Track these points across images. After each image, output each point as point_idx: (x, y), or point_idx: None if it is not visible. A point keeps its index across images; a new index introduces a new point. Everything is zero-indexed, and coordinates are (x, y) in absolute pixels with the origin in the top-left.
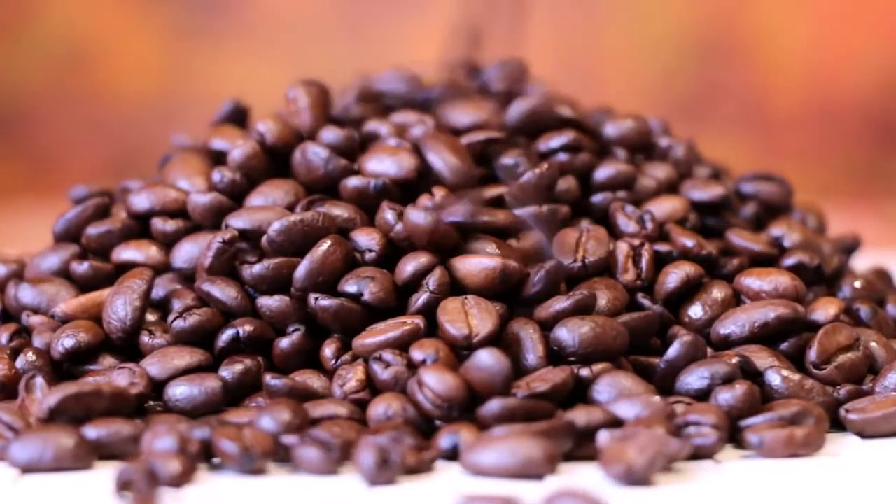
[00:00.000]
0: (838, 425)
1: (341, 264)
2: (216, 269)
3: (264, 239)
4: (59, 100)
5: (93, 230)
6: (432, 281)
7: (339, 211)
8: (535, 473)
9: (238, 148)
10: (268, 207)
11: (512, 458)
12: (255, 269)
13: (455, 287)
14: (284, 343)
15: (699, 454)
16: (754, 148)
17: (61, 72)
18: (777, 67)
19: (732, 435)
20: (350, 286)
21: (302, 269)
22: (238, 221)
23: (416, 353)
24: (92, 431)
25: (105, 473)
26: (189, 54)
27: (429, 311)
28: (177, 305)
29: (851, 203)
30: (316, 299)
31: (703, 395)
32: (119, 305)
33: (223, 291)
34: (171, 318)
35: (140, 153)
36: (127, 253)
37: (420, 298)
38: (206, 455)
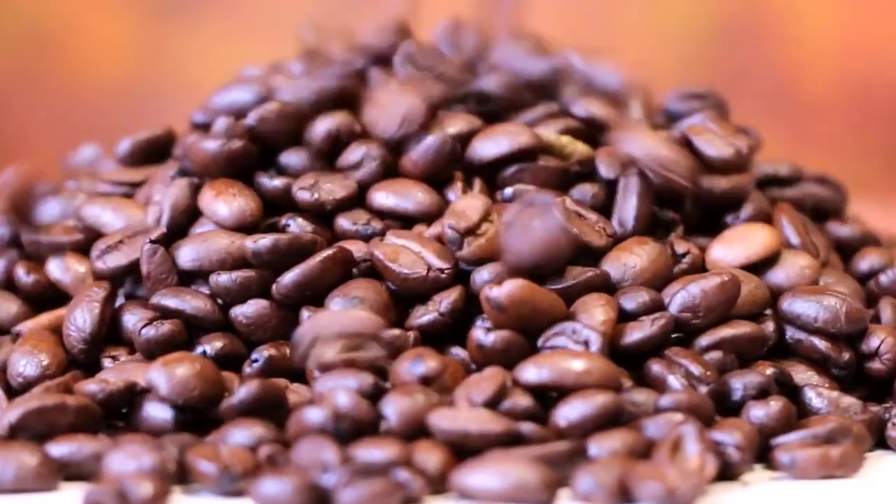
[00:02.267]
0: (884, 444)
1: (336, 280)
2: (154, 273)
3: (249, 254)
4: (21, 85)
5: (28, 237)
6: (445, 303)
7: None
8: (530, 500)
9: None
10: (214, 234)
11: (503, 482)
12: (220, 279)
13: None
14: (248, 371)
15: (724, 475)
16: (783, 138)
17: (24, 54)
18: (807, 49)
19: (763, 454)
20: (336, 304)
21: (290, 278)
22: (185, 253)
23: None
24: (57, 449)
25: (71, 495)
26: (166, 36)
27: (431, 334)
28: (137, 317)
29: (890, 199)
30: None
31: (734, 409)
32: (77, 314)
33: (189, 303)
34: (139, 325)
35: (111, 144)
36: (55, 268)
37: (425, 316)
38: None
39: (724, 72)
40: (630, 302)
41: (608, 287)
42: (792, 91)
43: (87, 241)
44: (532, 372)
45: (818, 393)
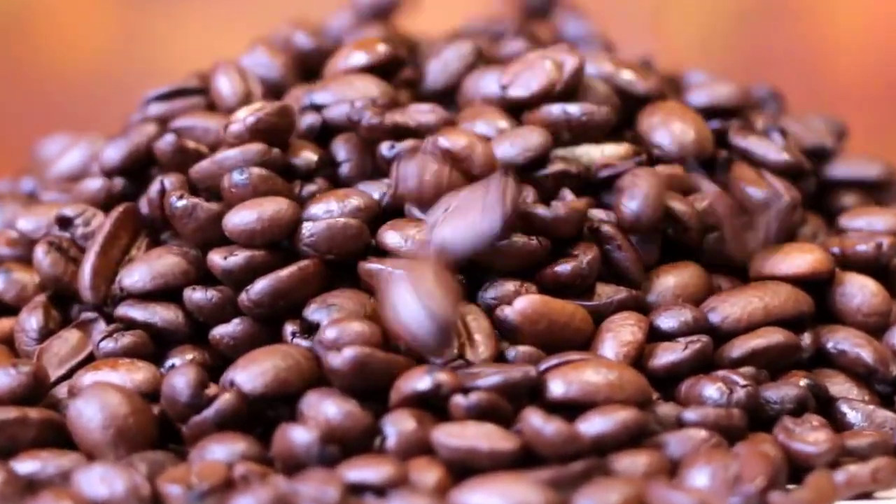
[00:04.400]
0: None
1: (312, 291)
2: (51, 277)
3: (220, 272)
4: None
5: None
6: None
7: None
8: None
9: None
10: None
11: (503, 502)
12: (195, 296)
13: None
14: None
15: None
16: None
17: None
18: (838, 27)
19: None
20: (313, 313)
21: (264, 284)
22: (129, 279)
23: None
24: (23, 465)
25: None
26: (146, 19)
27: None
28: (98, 329)
29: None
30: (293, 334)
31: (767, 421)
32: (24, 318)
33: (159, 315)
34: (97, 338)
35: (85, 132)
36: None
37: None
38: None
39: (742, 55)
40: (670, 320)
41: (641, 307)
42: (820, 74)
43: (29, 252)
44: (559, 386)
45: (853, 406)
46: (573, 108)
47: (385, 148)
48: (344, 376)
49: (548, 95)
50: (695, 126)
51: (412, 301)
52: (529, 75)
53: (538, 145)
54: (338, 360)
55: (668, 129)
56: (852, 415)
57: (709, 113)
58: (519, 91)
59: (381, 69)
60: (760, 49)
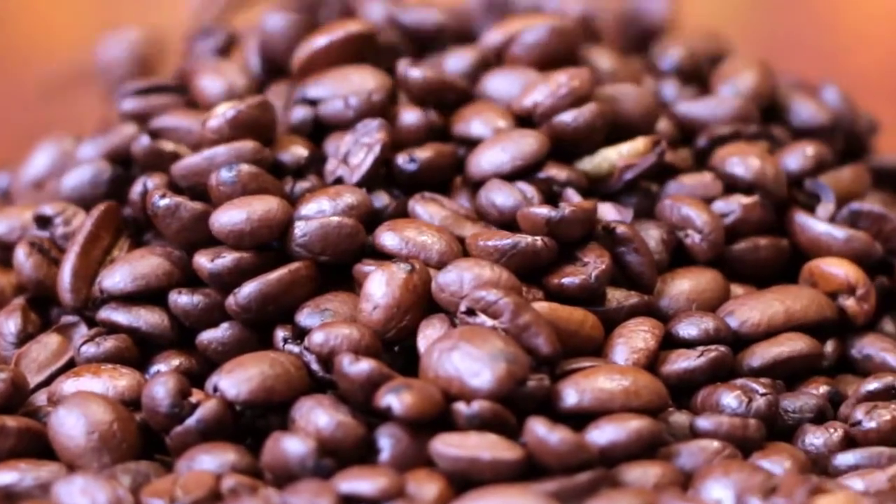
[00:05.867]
0: None
1: (303, 295)
2: (33, 280)
3: (207, 275)
4: None
5: None
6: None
7: None
8: None
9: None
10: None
11: None
12: (180, 300)
13: None
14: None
15: None
16: None
17: None
18: (858, 13)
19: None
20: (306, 318)
21: (252, 288)
22: (110, 280)
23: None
24: (1, 477)
25: None
26: (124, 12)
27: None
28: (79, 333)
29: None
30: (285, 339)
31: (784, 431)
32: (1, 322)
33: (143, 319)
34: (78, 342)
35: (65, 127)
36: None
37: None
38: None
39: (758, 43)
40: (690, 328)
41: (654, 313)
42: (839, 63)
43: (3, 254)
44: (572, 396)
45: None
46: (561, 117)
47: (402, 159)
48: (352, 386)
49: (531, 113)
50: (773, 164)
51: None
52: (529, 92)
53: (530, 153)
54: (354, 368)
55: (745, 162)
56: (876, 423)
57: None
58: (516, 104)
59: (354, 46)
60: (778, 35)
